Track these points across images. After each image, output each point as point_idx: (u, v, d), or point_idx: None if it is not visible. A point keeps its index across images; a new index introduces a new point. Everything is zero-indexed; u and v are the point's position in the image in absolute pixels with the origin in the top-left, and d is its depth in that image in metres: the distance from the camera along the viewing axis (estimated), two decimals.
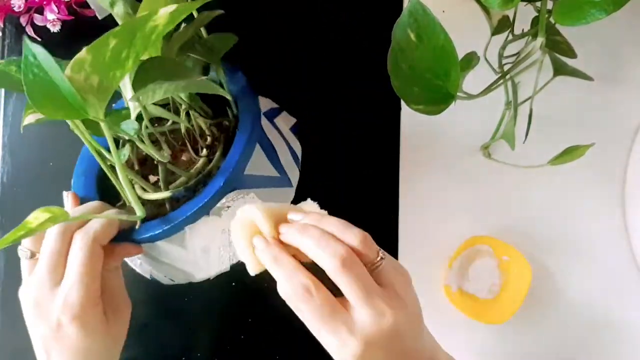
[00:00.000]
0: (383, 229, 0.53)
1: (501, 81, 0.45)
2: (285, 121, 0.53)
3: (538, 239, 0.53)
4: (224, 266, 0.45)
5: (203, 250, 0.43)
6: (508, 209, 0.53)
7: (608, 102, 0.54)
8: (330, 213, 0.54)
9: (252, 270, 0.37)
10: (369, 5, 0.56)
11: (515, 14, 0.45)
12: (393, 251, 0.53)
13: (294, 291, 0.34)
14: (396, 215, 0.54)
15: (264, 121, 0.47)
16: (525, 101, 0.46)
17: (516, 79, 0.45)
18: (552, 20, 0.39)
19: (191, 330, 0.53)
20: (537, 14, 0.44)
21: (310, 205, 0.39)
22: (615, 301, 0.52)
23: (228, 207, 0.42)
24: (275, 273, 0.35)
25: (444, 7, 0.54)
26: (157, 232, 0.40)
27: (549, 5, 0.39)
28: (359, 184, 0.54)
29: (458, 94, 0.40)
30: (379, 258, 0.36)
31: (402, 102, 0.50)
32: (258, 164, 0.45)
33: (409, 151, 0.54)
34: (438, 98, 0.40)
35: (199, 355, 0.53)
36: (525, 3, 0.44)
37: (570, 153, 0.48)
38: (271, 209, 0.37)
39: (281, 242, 0.36)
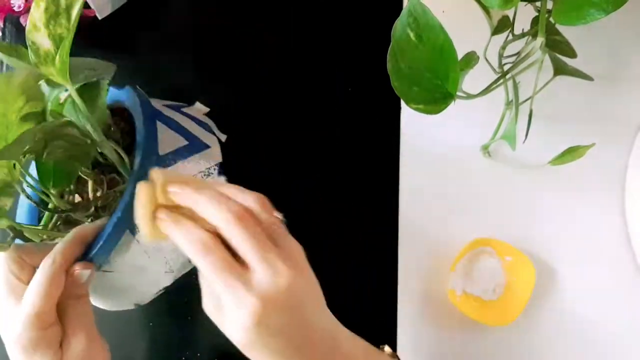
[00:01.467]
0: (383, 231, 0.53)
1: (501, 81, 0.45)
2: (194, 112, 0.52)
3: (539, 239, 0.53)
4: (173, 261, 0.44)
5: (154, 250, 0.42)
6: (508, 209, 0.53)
7: (608, 102, 0.54)
8: (331, 213, 0.54)
9: (147, 236, 0.35)
10: (368, 5, 0.56)
11: (515, 14, 0.45)
12: (394, 255, 0.53)
13: (194, 246, 0.33)
14: (396, 217, 0.53)
15: (165, 110, 0.47)
16: (525, 101, 0.46)
17: (516, 79, 0.45)
18: (552, 20, 0.39)
19: (191, 330, 0.53)
20: (537, 14, 0.44)
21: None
22: (617, 301, 0.52)
23: None
24: (175, 234, 0.34)
25: (444, 7, 0.54)
26: (104, 237, 0.39)
27: (549, 5, 0.39)
28: (359, 185, 0.54)
29: (458, 93, 0.40)
30: (275, 220, 0.34)
31: (402, 102, 0.50)
32: (169, 140, 0.44)
33: (409, 151, 0.54)
34: (437, 98, 0.40)
35: (199, 355, 0.53)
36: (525, 3, 0.44)
37: (570, 153, 0.47)
38: (173, 176, 0.35)
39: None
